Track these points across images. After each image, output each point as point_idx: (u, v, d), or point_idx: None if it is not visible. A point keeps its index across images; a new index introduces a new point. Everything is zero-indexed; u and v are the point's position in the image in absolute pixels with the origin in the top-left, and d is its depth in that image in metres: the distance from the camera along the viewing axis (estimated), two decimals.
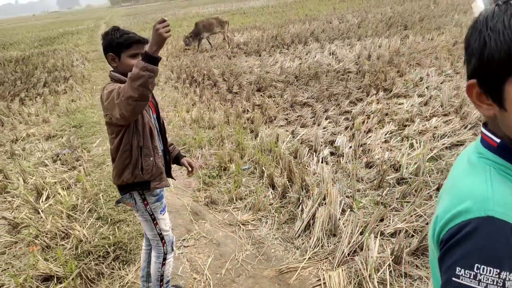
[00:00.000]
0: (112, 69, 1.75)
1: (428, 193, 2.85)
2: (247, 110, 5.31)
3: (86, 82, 8.65)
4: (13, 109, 6.80)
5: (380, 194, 2.97)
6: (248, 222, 2.86)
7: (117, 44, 1.65)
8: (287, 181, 3.14)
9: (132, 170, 1.74)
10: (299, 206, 2.85)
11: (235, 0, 38.95)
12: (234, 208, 3.08)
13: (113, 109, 1.54)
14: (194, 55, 10.06)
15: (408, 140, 3.79)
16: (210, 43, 11.16)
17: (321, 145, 3.89)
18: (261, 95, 5.92)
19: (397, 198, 2.87)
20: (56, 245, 2.75)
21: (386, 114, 4.51)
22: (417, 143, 3.70)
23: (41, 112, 6.36)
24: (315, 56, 8.03)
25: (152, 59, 1.45)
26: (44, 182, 3.69)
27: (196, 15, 24.80)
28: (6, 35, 27.13)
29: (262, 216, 2.89)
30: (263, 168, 3.48)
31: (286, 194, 3.06)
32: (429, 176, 3.08)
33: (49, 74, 9.63)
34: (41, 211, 3.21)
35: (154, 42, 1.45)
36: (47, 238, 2.80)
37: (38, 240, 2.78)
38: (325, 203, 2.71)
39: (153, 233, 1.92)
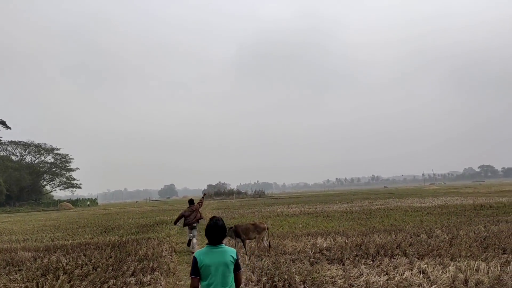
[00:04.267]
0: None
1: None
2: None
3: (170, 276, 8.93)
4: None
5: None
6: None
7: None
8: None
9: None
10: None
11: (319, 202, 40.68)
12: None
13: None
14: (276, 256, 10.15)
15: None
16: (245, 247, 11.19)
17: None
18: None
19: None
20: None
21: None
22: None
23: None
24: (404, 273, 7.60)
25: None
26: None
27: (281, 214, 26.04)
28: (110, 219, 30.59)
29: None
30: None
31: None
32: None
33: (139, 263, 10.17)
34: None
35: None
36: None
37: None
38: None
39: None
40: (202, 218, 13.63)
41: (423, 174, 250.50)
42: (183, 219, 13.46)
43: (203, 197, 15.37)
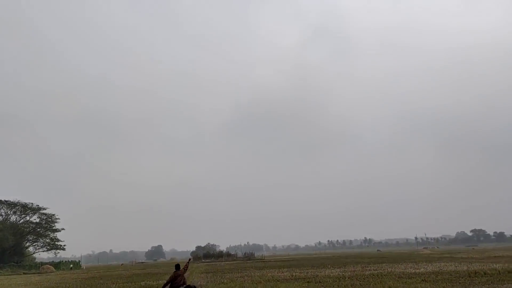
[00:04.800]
0: None
1: None
2: None
3: None
4: None
5: None
6: None
7: None
8: None
9: None
10: None
11: (311, 266, 39.64)
12: None
13: None
14: None
15: None
16: None
17: None
18: None
19: None
20: None
21: None
22: None
23: None
24: None
25: None
26: None
27: (272, 278, 25.26)
28: (93, 285, 29.35)
29: None
30: None
31: None
32: None
33: None
34: None
35: None
36: None
37: None
38: None
39: None
40: (185, 283, 13.68)
41: (416, 238, 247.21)
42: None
43: (188, 262, 15.47)
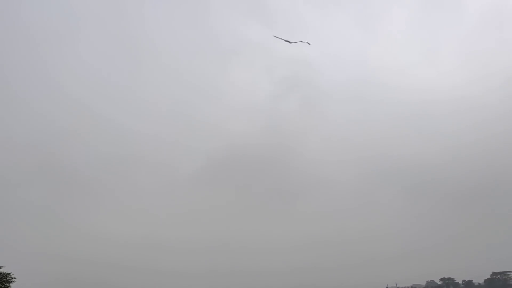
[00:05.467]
0: None
1: None
2: None
3: None
4: None
5: None
6: None
7: None
8: None
9: None
10: None
11: None
12: None
13: None
14: None
15: None
16: None
17: None
18: None
19: None
20: None
21: None
22: None
23: None
24: None
25: None
26: None
27: None
28: None
29: None
30: None
31: None
32: None
33: None
34: None
35: None
36: None
37: None
38: None
39: None
40: None
41: (387, 287, 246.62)
42: None
43: None
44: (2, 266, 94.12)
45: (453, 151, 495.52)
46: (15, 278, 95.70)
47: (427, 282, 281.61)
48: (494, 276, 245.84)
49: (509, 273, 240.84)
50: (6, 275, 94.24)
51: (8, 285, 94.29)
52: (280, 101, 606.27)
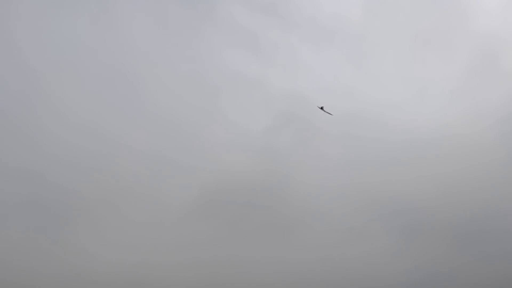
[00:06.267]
0: None
1: None
2: None
3: None
4: None
5: None
6: None
7: None
8: None
9: None
10: None
11: None
12: None
13: None
14: None
15: None
16: None
17: None
18: None
19: None
20: None
21: None
22: None
23: None
24: None
25: None
26: None
27: None
28: None
29: None
30: None
31: None
32: None
33: None
34: None
35: None
36: None
37: None
38: None
39: None
40: None
41: None
42: None
43: None
44: None
45: (448, 193, 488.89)
46: None
47: None
48: None
49: None
50: None
51: None
52: (275, 135, 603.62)
